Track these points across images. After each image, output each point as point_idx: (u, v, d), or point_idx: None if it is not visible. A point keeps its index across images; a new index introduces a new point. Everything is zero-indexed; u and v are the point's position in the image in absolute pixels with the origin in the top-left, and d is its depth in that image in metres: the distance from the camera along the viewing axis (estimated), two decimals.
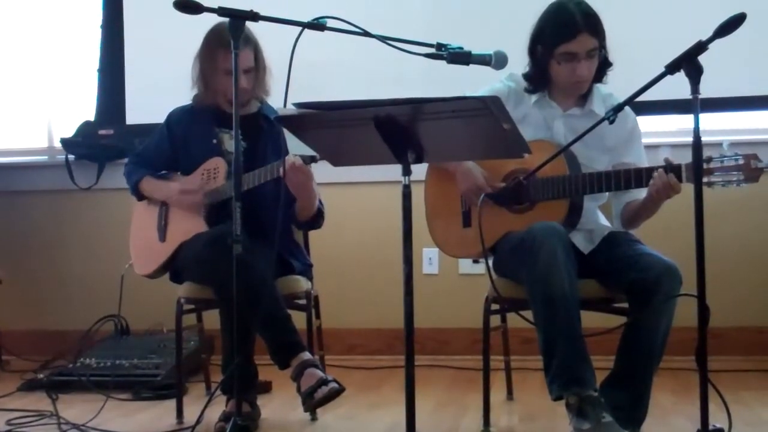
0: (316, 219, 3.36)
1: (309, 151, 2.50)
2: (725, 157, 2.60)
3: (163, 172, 3.57)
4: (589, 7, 2.95)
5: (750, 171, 2.58)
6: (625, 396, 2.77)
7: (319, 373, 3.01)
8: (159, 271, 3.51)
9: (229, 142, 3.42)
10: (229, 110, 3.37)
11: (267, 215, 3.22)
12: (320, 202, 3.34)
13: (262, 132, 3.39)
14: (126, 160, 3.70)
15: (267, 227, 3.18)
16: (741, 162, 2.59)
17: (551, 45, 2.95)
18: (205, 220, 3.36)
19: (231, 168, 3.27)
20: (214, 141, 3.44)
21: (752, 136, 4.28)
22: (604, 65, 3.02)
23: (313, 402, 2.98)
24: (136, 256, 3.62)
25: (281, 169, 3.00)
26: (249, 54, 3.29)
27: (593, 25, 2.92)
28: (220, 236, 2.97)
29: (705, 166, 2.57)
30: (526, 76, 3.10)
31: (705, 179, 2.53)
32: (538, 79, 3.07)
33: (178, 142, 3.51)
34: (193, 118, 3.50)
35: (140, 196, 3.58)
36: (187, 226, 3.37)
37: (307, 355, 3.08)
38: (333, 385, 2.97)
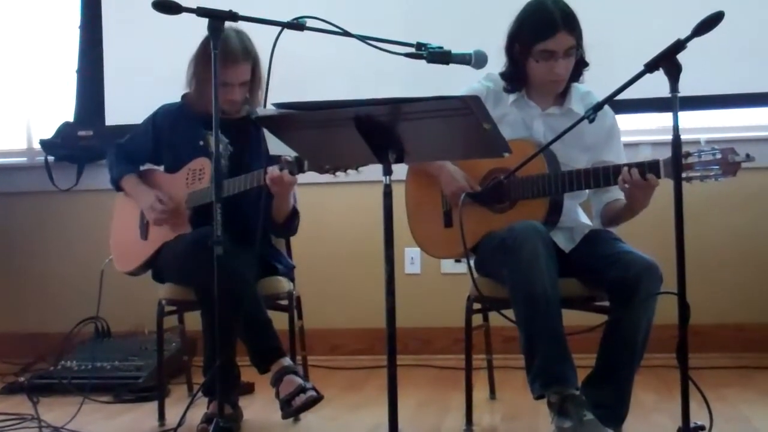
0: (292, 220, 3.35)
1: (289, 152, 2.49)
2: (703, 151, 2.61)
3: (146, 166, 3.57)
4: (567, 6, 2.96)
5: (728, 165, 2.59)
6: (607, 394, 2.77)
7: (298, 380, 3.01)
8: (140, 269, 3.49)
9: None
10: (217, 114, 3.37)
11: (250, 218, 3.22)
12: (295, 199, 3.34)
13: (250, 137, 3.37)
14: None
15: (250, 230, 3.17)
16: (719, 156, 2.59)
17: (529, 43, 2.96)
18: (189, 221, 3.34)
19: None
20: (201, 143, 3.42)
21: (730, 134, 4.31)
22: (580, 64, 3.03)
23: (290, 410, 2.99)
24: (116, 252, 3.60)
25: (264, 177, 3.00)
26: (246, 68, 3.27)
27: (571, 23, 2.93)
28: (202, 238, 2.96)
29: (683, 161, 2.58)
30: (503, 75, 3.10)
31: (683, 174, 2.53)
32: (515, 78, 3.07)
33: (163, 140, 3.49)
34: (181, 117, 3.48)
35: (119, 189, 3.56)
36: (171, 226, 3.35)
37: (287, 361, 3.08)
38: (311, 393, 2.97)
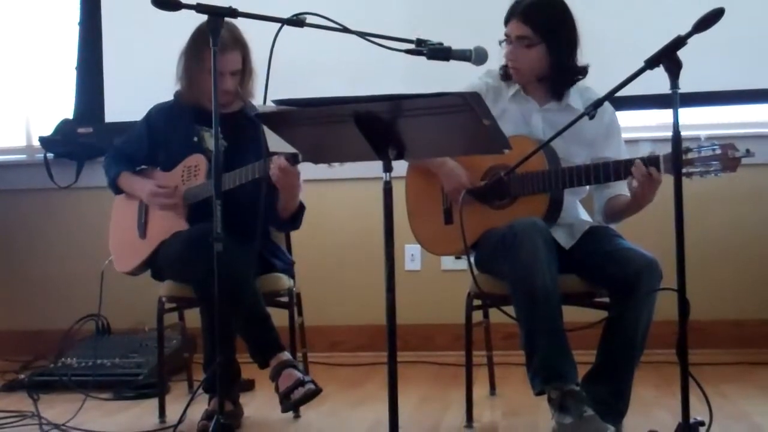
0: (297, 216, 3.35)
1: (289, 149, 2.48)
2: (703, 147, 2.61)
3: (143, 167, 3.56)
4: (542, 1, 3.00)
5: (727, 160, 2.59)
6: (607, 390, 2.78)
7: (297, 374, 3.01)
8: (139, 269, 3.49)
9: (210, 140, 3.41)
10: (211, 108, 3.36)
11: (247, 214, 3.22)
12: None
13: (243, 131, 3.36)
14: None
15: (247, 226, 3.17)
16: (719, 152, 2.59)
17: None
18: (185, 219, 3.34)
19: (212, 165, 3.27)
20: (195, 139, 3.42)
21: (730, 130, 4.29)
22: (566, 70, 3.04)
23: (289, 403, 2.99)
24: (116, 252, 3.60)
25: (262, 168, 2.99)
26: (237, 56, 3.27)
27: (528, 14, 2.97)
28: (199, 235, 2.97)
29: (683, 156, 2.58)
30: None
31: (683, 170, 2.53)
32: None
33: (158, 139, 3.49)
34: (174, 115, 3.47)
35: (118, 191, 3.56)
36: (168, 223, 3.35)
37: (286, 355, 3.08)
38: (310, 386, 2.98)
